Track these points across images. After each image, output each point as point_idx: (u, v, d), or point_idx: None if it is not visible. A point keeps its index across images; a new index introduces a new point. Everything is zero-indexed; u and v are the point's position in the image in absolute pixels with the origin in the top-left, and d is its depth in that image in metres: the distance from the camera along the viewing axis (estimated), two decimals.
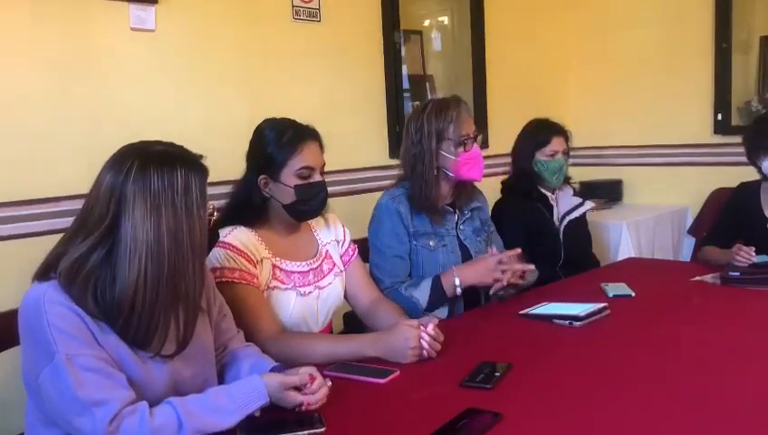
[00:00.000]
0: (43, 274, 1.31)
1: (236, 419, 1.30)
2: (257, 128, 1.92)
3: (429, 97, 3.84)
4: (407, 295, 2.10)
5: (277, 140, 1.84)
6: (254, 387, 1.35)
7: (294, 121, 1.90)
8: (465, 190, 2.33)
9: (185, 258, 1.31)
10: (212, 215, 1.41)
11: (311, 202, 1.87)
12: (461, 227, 2.31)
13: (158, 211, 1.28)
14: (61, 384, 1.21)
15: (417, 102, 3.77)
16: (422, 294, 2.09)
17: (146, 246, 1.27)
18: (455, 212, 2.31)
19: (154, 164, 1.29)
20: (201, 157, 1.38)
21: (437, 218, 2.24)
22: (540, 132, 2.74)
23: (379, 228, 2.20)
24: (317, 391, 1.41)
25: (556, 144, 2.70)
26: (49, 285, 1.28)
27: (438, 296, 2.10)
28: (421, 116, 2.23)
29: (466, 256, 2.28)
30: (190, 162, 1.35)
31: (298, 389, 1.40)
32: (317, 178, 1.87)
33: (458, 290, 2.09)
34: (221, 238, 1.81)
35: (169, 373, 1.38)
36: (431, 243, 2.22)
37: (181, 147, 1.39)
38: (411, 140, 2.24)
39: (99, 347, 1.27)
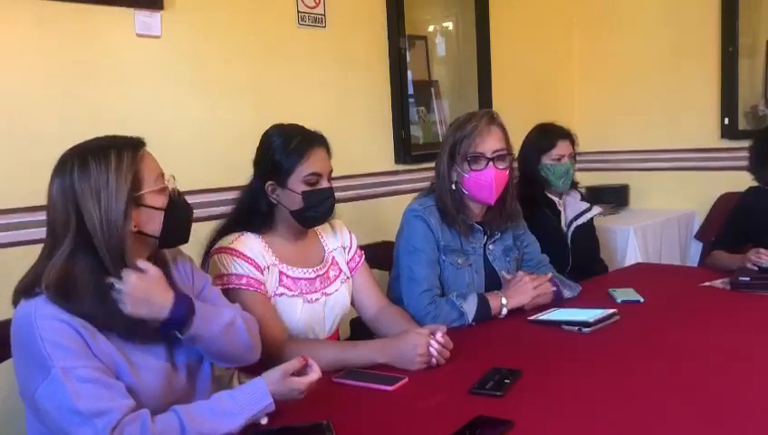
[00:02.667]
0: (29, 290, 1.30)
1: (240, 421, 1.29)
2: (265, 134, 1.91)
3: (434, 103, 3.84)
4: (458, 304, 2.01)
5: (285, 147, 1.83)
6: (256, 388, 1.34)
7: (302, 127, 1.89)
8: (502, 213, 2.21)
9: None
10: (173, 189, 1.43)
11: (318, 208, 1.86)
12: (490, 247, 2.23)
13: (100, 195, 1.31)
14: (58, 398, 1.21)
15: (423, 108, 3.77)
16: (470, 307, 2.01)
17: (101, 231, 1.30)
18: (485, 232, 2.23)
19: (92, 156, 1.34)
20: (139, 139, 1.41)
21: (465, 232, 2.16)
22: (545, 136, 2.73)
23: (414, 232, 2.12)
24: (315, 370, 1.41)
25: (562, 148, 2.69)
26: (37, 301, 1.27)
27: (483, 313, 2.03)
28: (450, 127, 2.20)
29: (492, 277, 2.21)
30: (124, 142, 1.38)
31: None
32: (324, 184, 1.86)
33: (504, 311, 2.07)
34: (229, 244, 1.80)
35: (163, 381, 1.37)
36: (459, 260, 2.15)
37: (117, 135, 1.41)
38: (440, 151, 2.20)
39: (94, 358, 1.26)
